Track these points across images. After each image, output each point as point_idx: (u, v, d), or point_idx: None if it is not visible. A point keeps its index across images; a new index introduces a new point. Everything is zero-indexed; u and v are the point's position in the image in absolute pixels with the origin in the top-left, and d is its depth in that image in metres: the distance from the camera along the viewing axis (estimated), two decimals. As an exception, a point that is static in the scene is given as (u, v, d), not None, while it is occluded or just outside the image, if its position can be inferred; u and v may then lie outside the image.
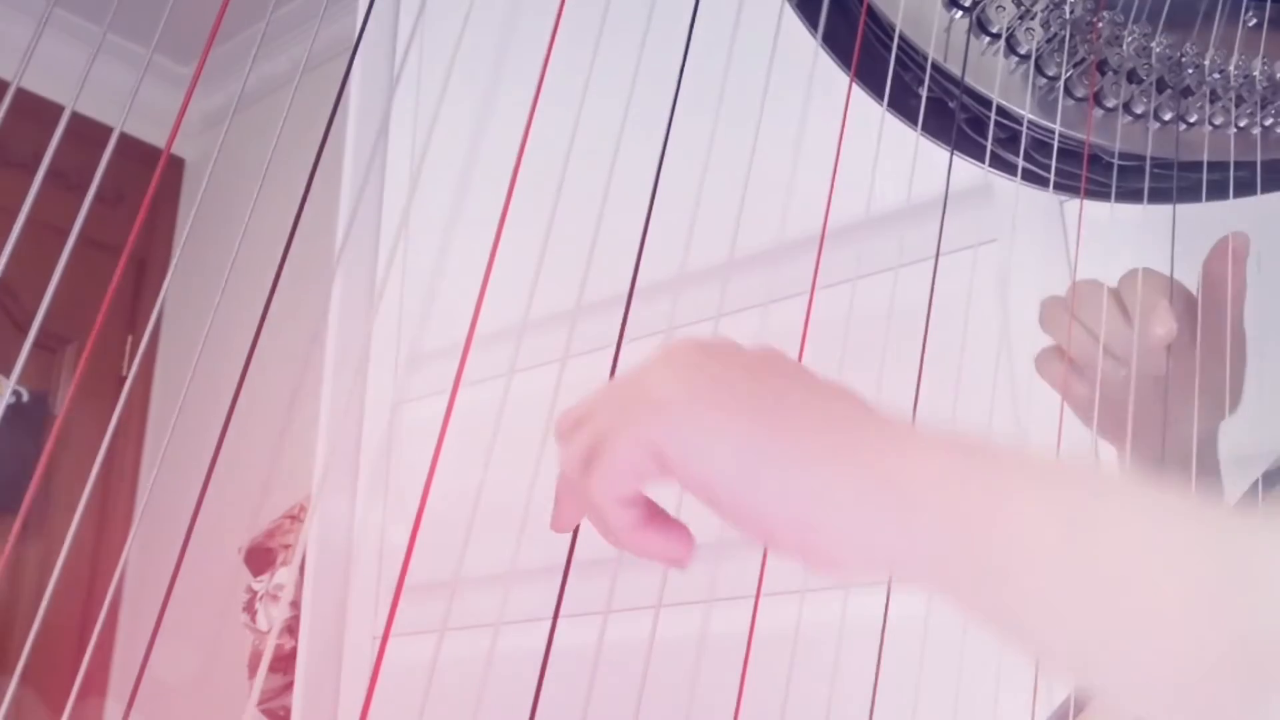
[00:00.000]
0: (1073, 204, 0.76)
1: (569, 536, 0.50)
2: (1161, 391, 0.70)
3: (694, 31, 0.60)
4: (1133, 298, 0.69)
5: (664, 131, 0.58)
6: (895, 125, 0.74)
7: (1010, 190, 0.77)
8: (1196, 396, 0.71)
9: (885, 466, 0.38)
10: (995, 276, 1.17)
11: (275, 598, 1.82)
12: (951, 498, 0.37)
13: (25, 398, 2.54)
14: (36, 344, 2.45)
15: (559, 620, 0.50)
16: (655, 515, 0.44)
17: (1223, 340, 0.70)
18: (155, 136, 2.61)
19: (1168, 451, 0.71)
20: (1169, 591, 0.34)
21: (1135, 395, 0.69)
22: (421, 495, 0.49)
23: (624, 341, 0.55)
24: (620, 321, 0.55)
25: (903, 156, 0.73)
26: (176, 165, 2.93)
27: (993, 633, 0.38)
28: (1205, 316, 0.71)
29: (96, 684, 2.32)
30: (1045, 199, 0.75)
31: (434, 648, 0.54)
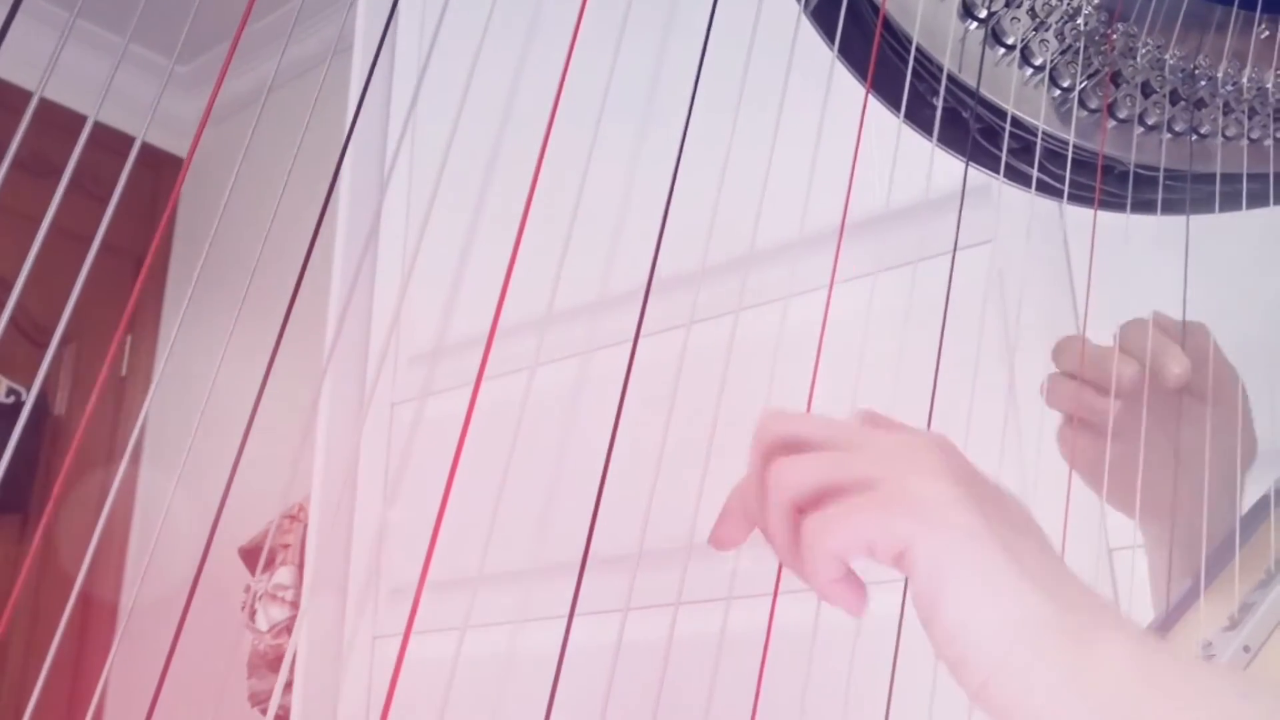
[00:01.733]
0: (1079, 209, 0.77)
1: (584, 533, 0.50)
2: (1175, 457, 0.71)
3: (711, 40, 0.61)
4: (1138, 346, 0.70)
5: (681, 134, 0.58)
6: (908, 131, 0.74)
7: (1009, 191, 0.77)
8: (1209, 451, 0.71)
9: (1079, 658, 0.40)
10: (996, 277, 1.18)
11: (275, 598, 1.82)
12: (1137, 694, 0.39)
13: (24, 398, 2.54)
14: (36, 344, 2.45)
15: (575, 618, 0.50)
16: (851, 571, 0.45)
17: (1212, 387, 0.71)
18: (155, 136, 2.61)
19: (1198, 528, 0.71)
20: None
21: (1150, 463, 0.69)
22: (444, 492, 0.49)
23: (642, 336, 0.55)
24: (638, 316, 0.55)
25: (914, 158, 0.73)
26: (176, 165, 2.93)
27: None
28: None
29: (96, 683, 2.32)
30: (1044, 200, 0.76)
31: (448, 646, 0.54)
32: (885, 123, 0.73)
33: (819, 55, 0.71)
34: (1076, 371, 0.72)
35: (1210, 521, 0.68)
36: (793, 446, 0.46)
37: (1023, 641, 0.40)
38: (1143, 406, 0.69)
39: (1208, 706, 0.41)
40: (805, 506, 0.44)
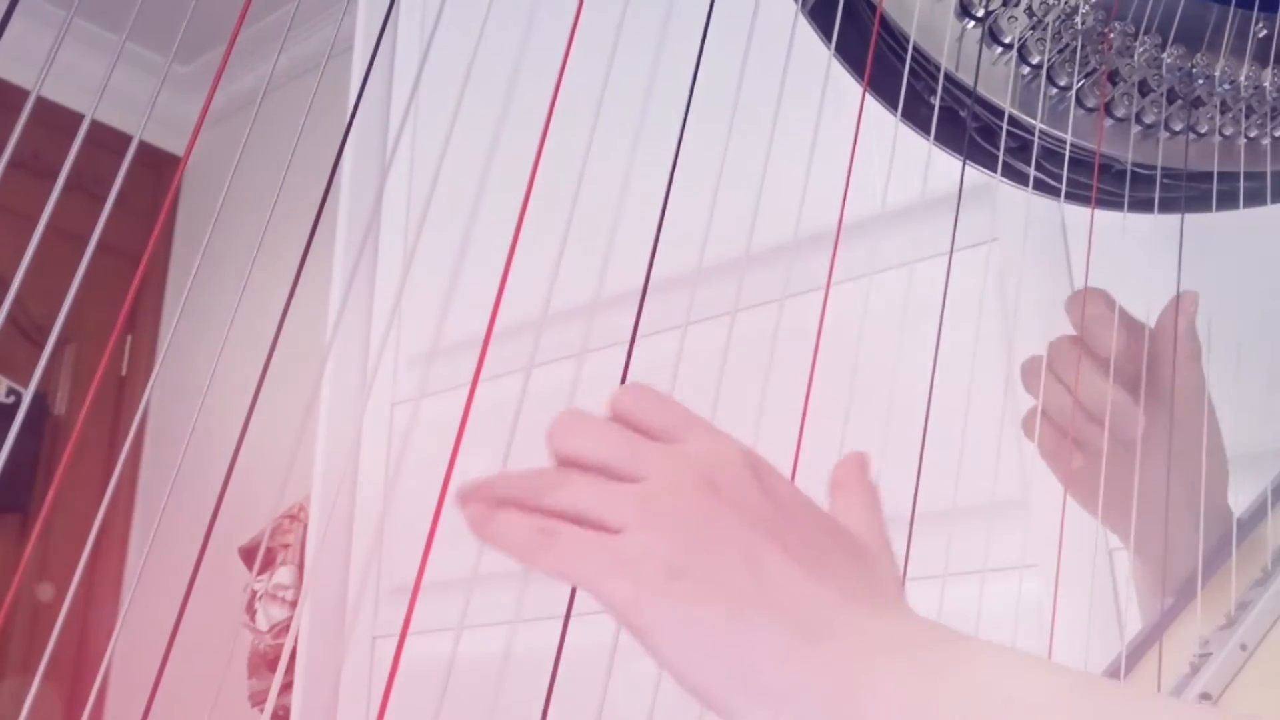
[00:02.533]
0: (1076, 207, 0.77)
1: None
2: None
3: (708, 39, 0.61)
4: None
5: (678, 133, 0.58)
6: (905, 130, 0.74)
7: (1009, 191, 0.77)
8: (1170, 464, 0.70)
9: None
10: (996, 276, 1.18)
11: (275, 598, 1.83)
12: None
13: (24, 398, 2.54)
14: (36, 343, 2.45)
15: (572, 618, 0.50)
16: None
17: (1176, 399, 0.70)
18: (152, 135, 2.61)
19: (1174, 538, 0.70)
20: None
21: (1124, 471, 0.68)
22: (441, 492, 0.49)
23: (638, 337, 0.55)
24: (634, 317, 0.55)
25: (911, 157, 0.73)
26: (176, 165, 2.93)
27: None
28: (1151, 371, 0.71)
29: (95, 683, 2.32)
30: (1043, 199, 0.76)
31: (447, 646, 0.54)
32: (883, 122, 0.73)
33: (816, 54, 0.71)
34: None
35: (1173, 523, 0.67)
36: (574, 462, 0.45)
37: (737, 690, 0.39)
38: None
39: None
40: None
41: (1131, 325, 0.72)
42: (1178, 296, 0.72)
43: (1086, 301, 0.70)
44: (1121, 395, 0.69)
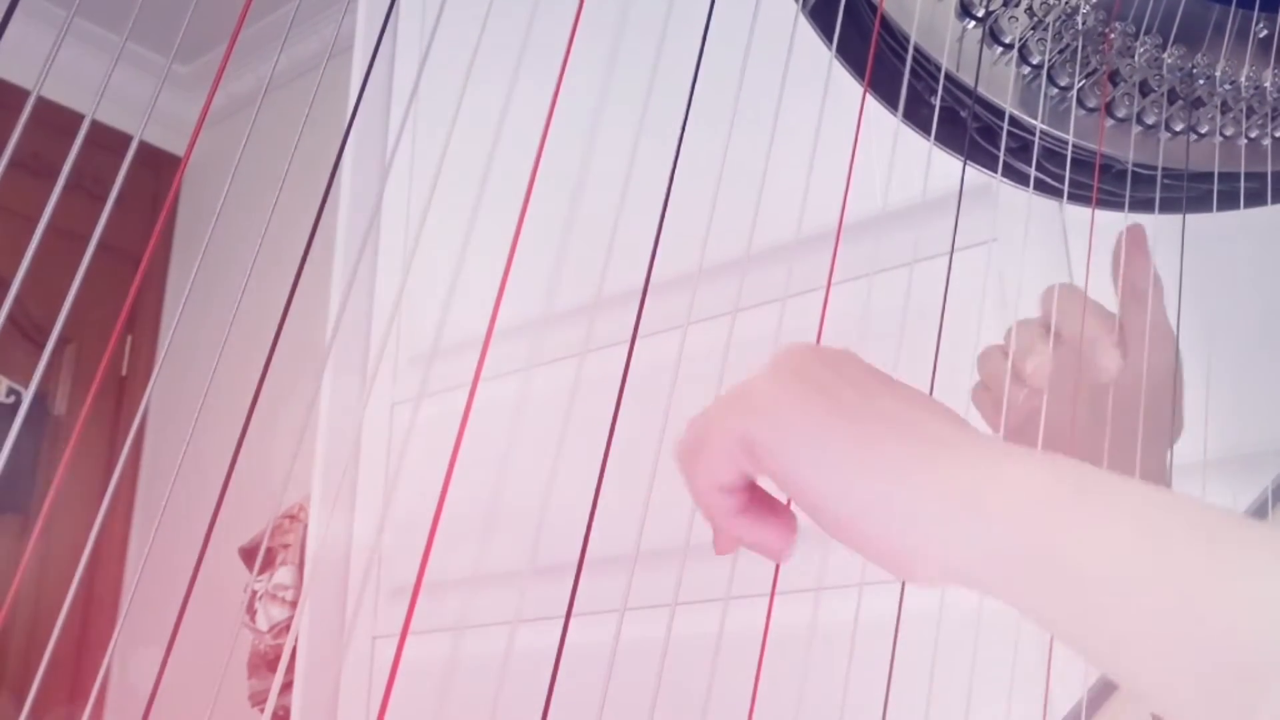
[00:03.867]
0: (1078, 208, 0.77)
1: (581, 534, 0.50)
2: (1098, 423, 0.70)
3: (709, 39, 0.61)
4: (1066, 322, 0.69)
5: (678, 133, 0.58)
6: (906, 130, 0.74)
7: (1010, 192, 0.77)
8: (1141, 422, 0.70)
9: (969, 481, 0.39)
10: (996, 277, 1.18)
11: (275, 598, 1.83)
12: (1033, 519, 0.37)
13: (24, 397, 2.54)
14: (36, 343, 2.45)
15: (572, 618, 0.50)
16: (757, 504, 0.46)
17: (1149, 342, 0.70)
18: (153, 135, 2.62)
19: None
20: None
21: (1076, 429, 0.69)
22: (441, 492, 0.49)
23: (639, 337, 0.55)
24: (635, 317, 0.55)
25: (912, 158, 0.73)
26: (176, 165, 2.93)
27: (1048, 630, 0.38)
28: (1129, 319, 0.71)
29: (95, 683, 2.32)
30: (1044, 200, 0.76)
31: (447, 646, 0.54)
32: (884, 123, 0.73)
33: (817, 55, 0.71)
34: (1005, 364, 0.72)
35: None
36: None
37: (864, 478, 0.41)
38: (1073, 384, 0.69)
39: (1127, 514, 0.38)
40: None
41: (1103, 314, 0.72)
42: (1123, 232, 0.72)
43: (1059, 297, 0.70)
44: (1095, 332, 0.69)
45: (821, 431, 0.42)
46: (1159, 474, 0.70)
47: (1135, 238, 0.72)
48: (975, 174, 0.74)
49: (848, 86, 0.72)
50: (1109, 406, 0.68)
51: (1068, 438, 0.69)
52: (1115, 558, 0.35)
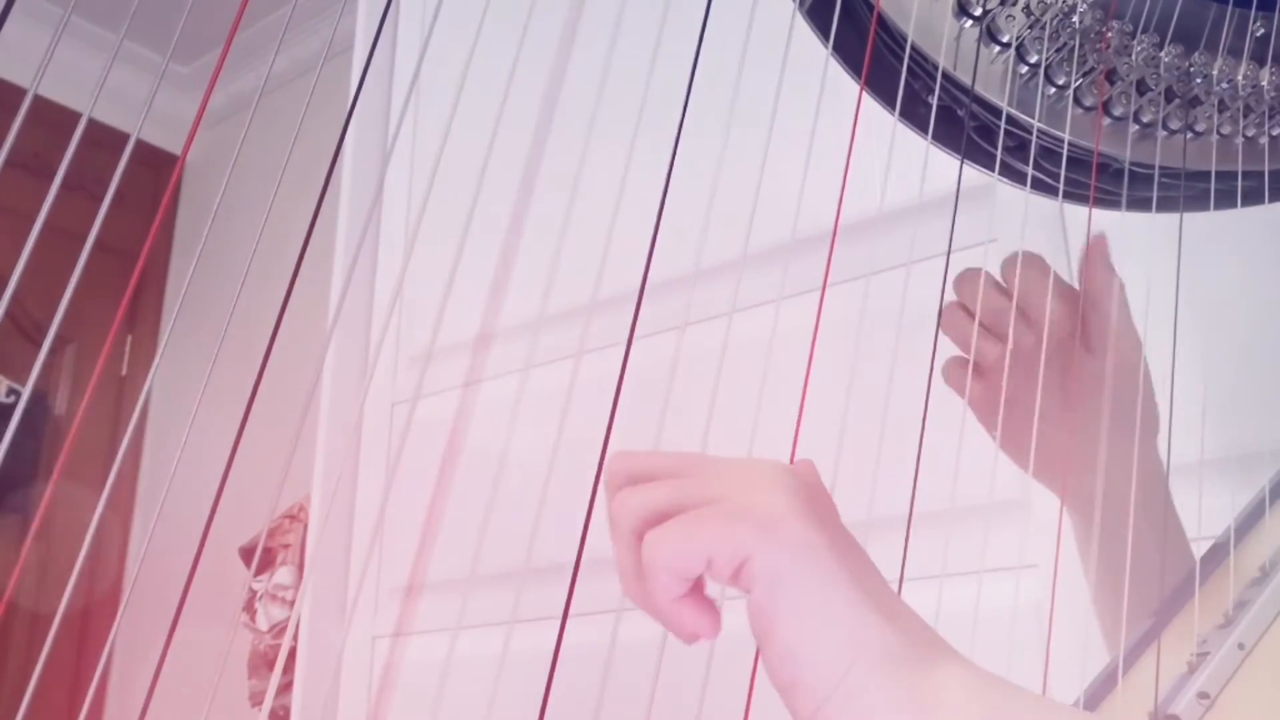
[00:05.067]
0: (1075, 207, 0.77)
1: (578, 533, 0.50)
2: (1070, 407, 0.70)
3: (706, 38, 0.61)
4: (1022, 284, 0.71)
5: (675, 134, 0.58)
6: (903, 128, 0.74)
7: (1011, 191, 0.77)
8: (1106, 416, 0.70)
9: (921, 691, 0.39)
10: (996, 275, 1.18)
11: (275, 598, 1.83)
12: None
13: (25, 398, 2.54)
14: (36, 343, 2.45)
15: (570, 618, 0.50)
16: (697, 591, 0.44)
17: (1111, 347, 0.71)
18: (151, 135, 2.62)
19: (1106, 489, 0.70)
20: None
21: (1042, 414, 0.69)
22: (439, 492, 0.49)
23: (635, 338, 0.55)
24: (632, 318, 0.55)
25: (910, 158, 0.73)
26: (175, 165, 2.94)
27: None
28: (1091, 324, 0.73)
29: (97, 683, 2.32)
30: (1046, 200, 0.76)
31: (446, 646, 0.54)
32: (881, 122, 0.73)
33: (814, 54, 0.71)
34: (973, 307, 0.73)
35: (1109, 482, 0.68)
36: (639, 479, 0.45)
37: (862, 664, 0.39)
38: (1038, 358, 0.70)
39: None
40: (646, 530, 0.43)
41: (1064, 291, 0.74)
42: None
43: (1021, 265, 0.73)
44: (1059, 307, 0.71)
45: (829, 598, 0.40)
46: (1126, 467, 0.70)
47: (1098, 250, 0.73)
48: (973, 174, 0.74)
49: (845, 86, 0.72)
50: (1075, 394, 0.70)
51: (1050, 429, 0.70)
52: None
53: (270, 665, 1.85)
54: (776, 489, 0.42)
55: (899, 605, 0.42)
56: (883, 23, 0.72)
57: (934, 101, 0.72)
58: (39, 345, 2.45)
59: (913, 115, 0.74)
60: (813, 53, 0.71)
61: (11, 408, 2.53)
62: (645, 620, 0.55)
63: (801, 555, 0.40)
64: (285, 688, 1.62)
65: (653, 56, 0.63)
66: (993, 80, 0.72)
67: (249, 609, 1.87)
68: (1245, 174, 0.74)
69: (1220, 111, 0.73)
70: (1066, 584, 0.71)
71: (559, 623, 0.49)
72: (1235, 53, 0.73)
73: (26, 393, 2.45)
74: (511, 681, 0.49)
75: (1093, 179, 0.73)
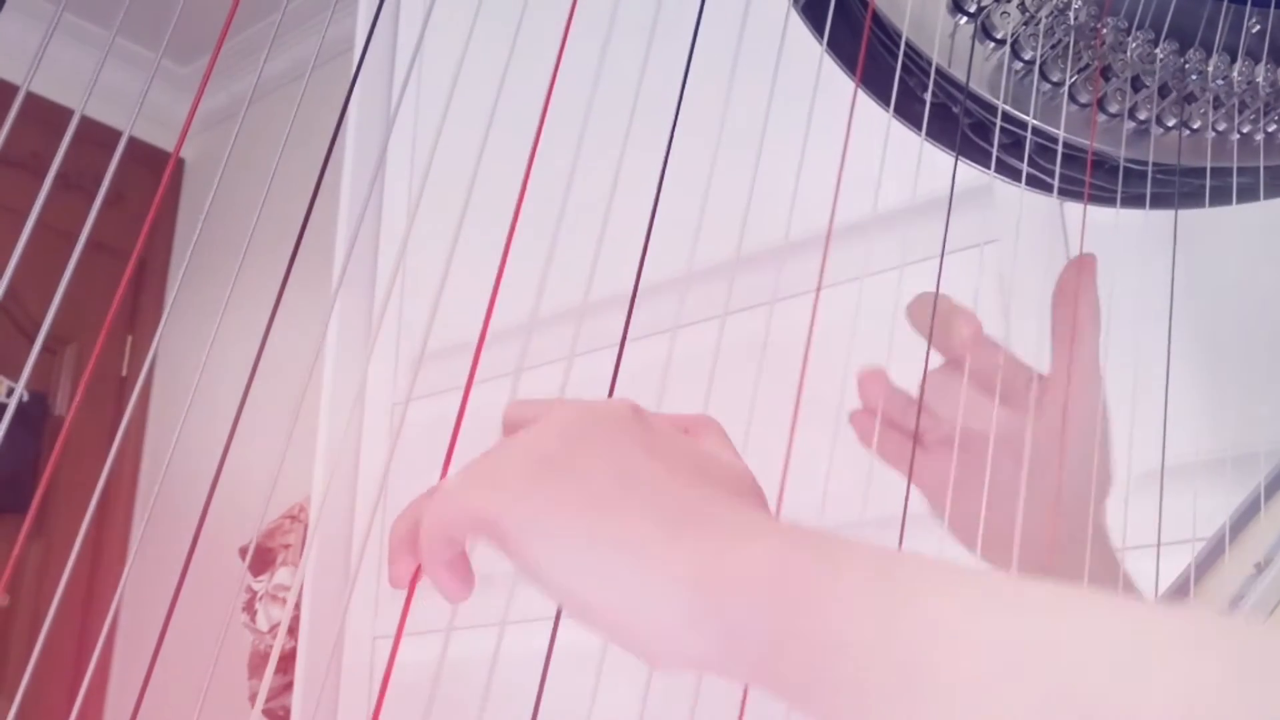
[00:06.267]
0: (1072, 205, 0.77)
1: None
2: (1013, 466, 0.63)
3: (699, 35, 0.60)
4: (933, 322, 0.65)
5: (668, 134, 0.58)
6: (899, 127, 0.74)
7: (1011, 191, 0.77)
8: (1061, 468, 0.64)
9: (699, 561, 0.37)
10: (993, 278, 1.18)
11: (275, 598, 1.83)
12: (772, 593, 0.35)
13: (25, 398, 2.54)
14: (36, 343, 2.45)
15: (562, 619, 0.50)
16: (461, 558, 0.45)
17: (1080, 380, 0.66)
18: (153, 135, 2.62)
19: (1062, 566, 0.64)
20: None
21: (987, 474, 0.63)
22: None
23: (628, 340, 0.55)
24: (625, 320, 0.55)
25: (906, 157, 0.73)
26: (176, 165, 2.94)
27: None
28: (1057, 353, 0.68)
29: (97, 684, 2.32)
30: (1046, 200, 0.76)
31: (444, 646, 0.54)
32: (876, 121, 0.72)
33: (808, 51, 0.71)
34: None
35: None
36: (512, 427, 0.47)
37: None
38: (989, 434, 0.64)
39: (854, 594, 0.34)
40: None
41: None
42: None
43: (958, 323, 0.66)
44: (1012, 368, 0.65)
45: (565, 523, 0.39)
46: (1083, 536, 0.65)
47: (1087, 274, 0.68)
48: (970, 176, 0.74)
49: (839, 83, 0.72)
50: (1026, 455, 0.63)
51: (999, 492, 0.63)
52: (855, 619, 0.33)
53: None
54: (517, 449, 0.42)
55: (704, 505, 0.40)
56: (877, 19, 0.71)
57: (928, 99, 0.71)
58: (41, 347, 2.45)
59: (907, 112, 0.73)
60: (807, 50, 0.71)
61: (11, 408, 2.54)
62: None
63: (523, 501, 0.40)
64: (285, 688, 1.62)
65: (646, 54, 0.63)
66: (987, 77, 0.72)
67: (249, 609, 1.88)
68: (1240, 170, 0.74)
69: (1216, 108, 0.73)
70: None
71: (552, 623, 0.49)
72: (1231, 49, 0.73)
73: (19, 389, 2.45)
74: (514, 681, 0.49)
75: (1088, 176, 0.73)
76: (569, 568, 0.39)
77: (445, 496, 0.43)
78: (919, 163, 0.70)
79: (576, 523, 0.39)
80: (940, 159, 0.74)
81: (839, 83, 0.71)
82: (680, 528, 0.38)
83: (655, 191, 0.56)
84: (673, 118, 0.59)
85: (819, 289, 0.62)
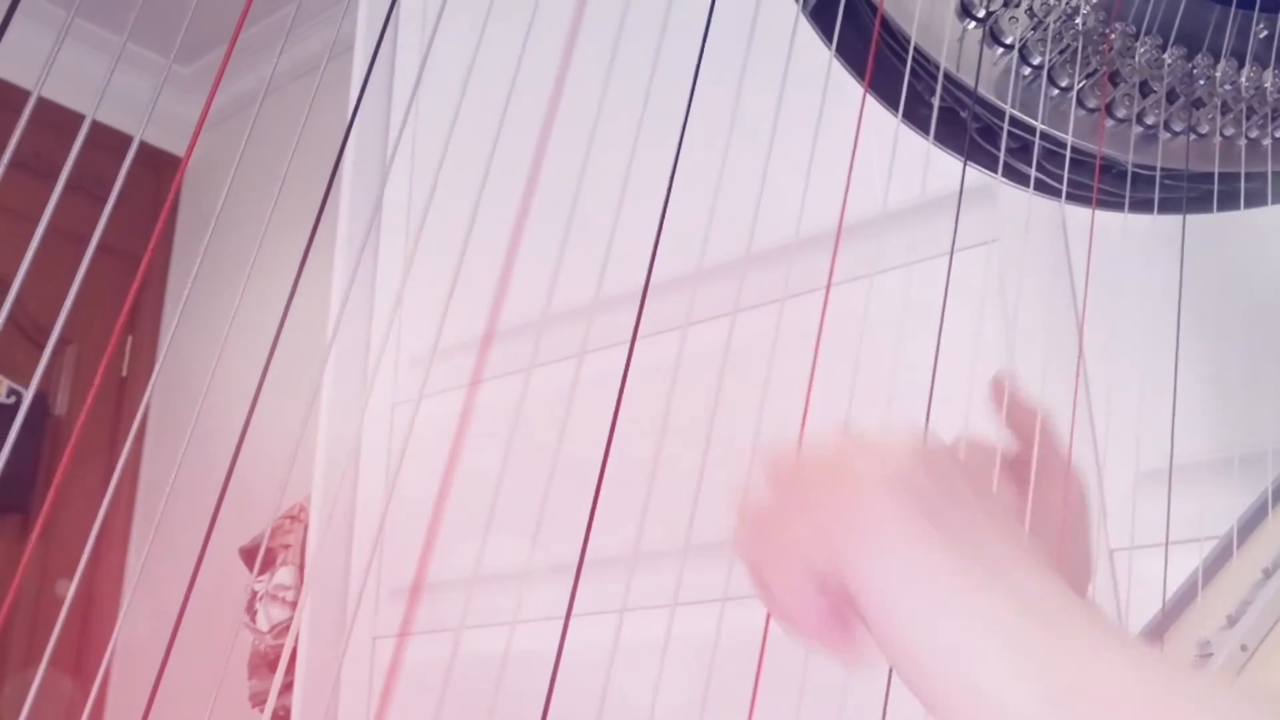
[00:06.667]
0: (1072, 206, 0.77)
1: (581, 534, 0.50)
2: None
3: (710, 39, 0.61)
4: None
5: (678, 134, 0.58)
6: (906, 130, 0.74)
7: (1010, 192, 0.77)
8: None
9: (1065, 677, 0.36)
10: (996, 278, 1.18)
11: (275, 598, 1.83)
12: None
13: (25, 398, 2.54)
14: (36, 344, 2.45)
15: (572, 619, 0.50)
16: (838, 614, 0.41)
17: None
18: (154, 136, 2.61)
19: None
20: None
21: None
22: (440, 493, 0.49)
23: (639, 337, 0.55)
24: (635, 318, 0.55)
25: (908, 159, 0.73)
26: (177, 166, 2.93)
27: None
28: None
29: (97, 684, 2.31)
30: (1045, 200, 0.76)
31: (445, 646, 0.54)
32: (884, 123, 0.73)
33: (817, 55, 0.71)
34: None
35: None
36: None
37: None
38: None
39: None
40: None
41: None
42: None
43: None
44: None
45: (925, 570, 0.38)
46: None
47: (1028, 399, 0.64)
48: (975, 175, 0.74)
49: (848, 87, 0.72)
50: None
51: None
52: None
53: (271, 666, 1.85)
54: (870, 475, 0.40)
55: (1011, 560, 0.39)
56: (886, 24, 0.72)
57: (936, 103, 0.72)
58: (40, 346, 2.45)
59: (915, 116, 0.74)
60: (816, 54, 0.71)
61: (12, 408, 2.53)
62: (647, 621, 0.55)
63: (894, 536, 0.39)
64: (286, 688, 1.62)
65: (656, 57, 0.63)
66: (995, 82, 0.72)
67: (250, 609, 1.87)
68: (1248, 176, 0.74)
69: (1223, 113, 0.73)
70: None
71: (561, 623, 0.49)
72: (1238, 54, 0.73)
73: (30, 394, 2.45)
74: (515, 682, 0.49)
75: (1095, 181, 0.73)
76: (921, 629, 0.37)
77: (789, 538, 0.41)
78: (926, 163, 0.71)
79: (941, 573, 0.38)
80: (944, 159, 0.74)
81: (848, 83, 0.72)
82: (1033, 619, 0.37)
83: (666, 191, 0.56)
84: (683, 118, 0.59)
85: (829, 286, 0.62)
